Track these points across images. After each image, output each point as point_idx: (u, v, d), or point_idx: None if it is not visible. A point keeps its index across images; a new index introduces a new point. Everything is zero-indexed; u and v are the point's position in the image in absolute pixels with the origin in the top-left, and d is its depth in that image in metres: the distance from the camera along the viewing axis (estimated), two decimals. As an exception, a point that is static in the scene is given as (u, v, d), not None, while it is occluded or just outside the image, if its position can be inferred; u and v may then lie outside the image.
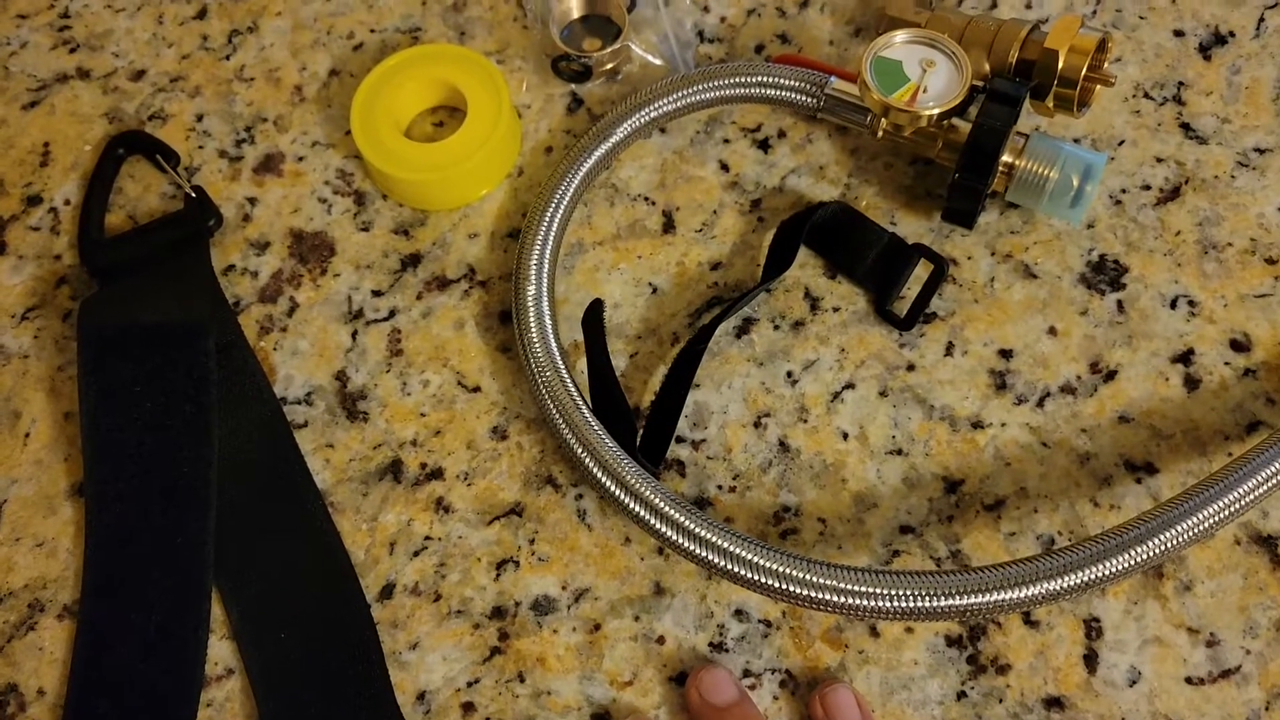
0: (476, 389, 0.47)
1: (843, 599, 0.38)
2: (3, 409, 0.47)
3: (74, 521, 0.45)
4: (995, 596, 0.38)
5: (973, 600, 0.38)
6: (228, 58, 0.54)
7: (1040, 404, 0.45)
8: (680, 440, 0.45)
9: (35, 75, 0.54)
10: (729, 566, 0.39)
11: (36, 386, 0.47)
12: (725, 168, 0.50)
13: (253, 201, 0.50)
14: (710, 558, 0.40)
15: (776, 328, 0.47)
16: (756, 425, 0.45)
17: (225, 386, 0.45)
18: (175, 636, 0.42)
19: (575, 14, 0.53)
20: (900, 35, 0.46)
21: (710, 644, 0.42)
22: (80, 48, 0.54)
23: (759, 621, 0.42)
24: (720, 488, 0.44)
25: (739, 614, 0.42)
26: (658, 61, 0.52)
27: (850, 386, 0.46)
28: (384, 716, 0.41)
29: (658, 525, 0.41)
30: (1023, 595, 0.38)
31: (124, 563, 0.43)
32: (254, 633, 0.42)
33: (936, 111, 0.44)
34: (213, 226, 0.49)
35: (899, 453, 0.44)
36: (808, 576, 0.39)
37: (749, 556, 0.39)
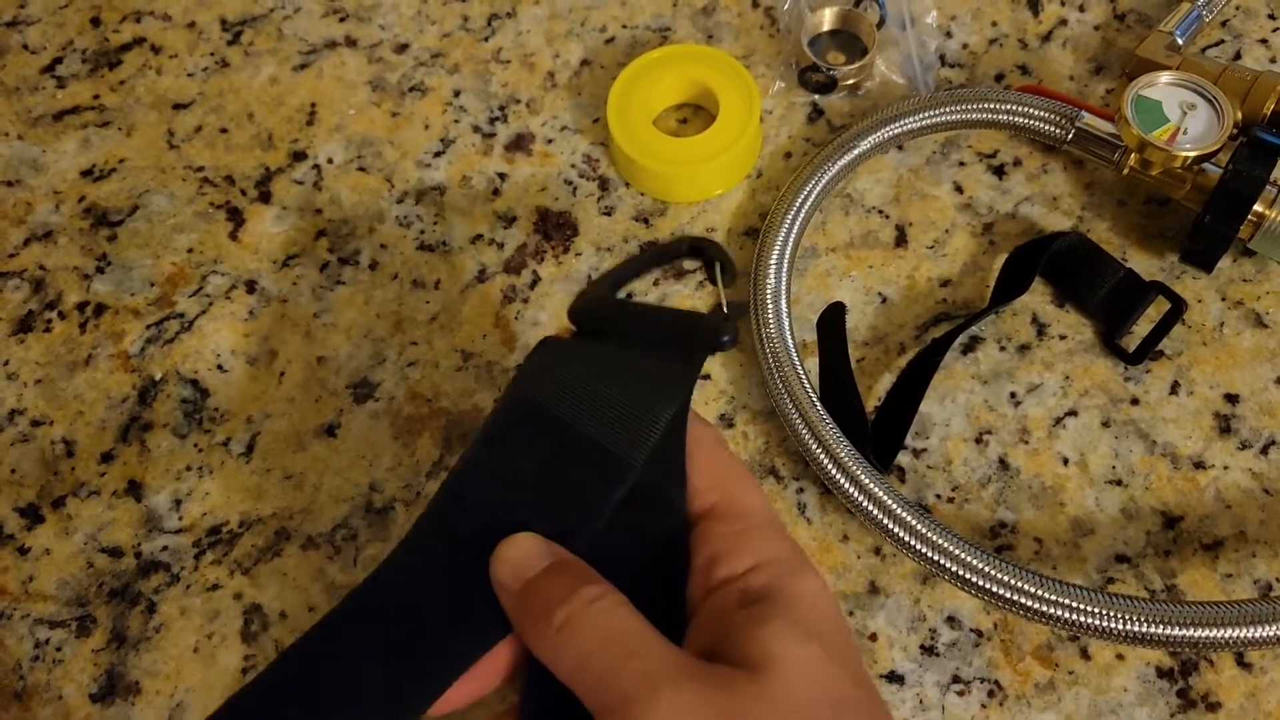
0: (706, 376, 0.48)
1: (1064, 614, 0.40)
2: (260, 348, 0.50)
3: (321, 459, 0.48)
4: (1213, 633, 0.38)
5: (1190, 633, 0.39)
6: (486, 39, 0.57)
7: (1264, 451, 0.45)
8: (903, 447, 0.46)
9: (306, 40, 0.57)
10: (957, 570, 0.41)
11: (293, 330, 0.50)
12: (959, 189, 0.52)
13: (503, 177, 0.53)
14: (940, 560, 0.41)
15: (1002, 349, 0.48)
16: (978, 441, 0.46)
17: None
18: None
19: (826, 27, 0.55)
20: (1164, 76, 0.46)
21: (921, 646, 0.43)
22: (349, 18, 0.58)
23: (971, 630, 0.43)
24: (939, 497, 0.46)
25: (951, 620, 0.43)
26: (900, 80, 0.53)
27: (1073, 414, 0.47)
28: None
29: (887, 523, 0.42)
30: (1240, 635, 0.38)
31: None
32: None
33: (1194, 154, 0.45)
34: (726, 343, 0.35)
35: (1119, 483, 0.45)
36: (1032, 588, 0.40)
37: (977, 563, 0.41)
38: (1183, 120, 0.46)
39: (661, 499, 0.32)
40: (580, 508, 0.32)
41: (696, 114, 0.54)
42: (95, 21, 0.58)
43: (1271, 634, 0.38)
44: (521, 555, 0.30)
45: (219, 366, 0.50)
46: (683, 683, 0.27)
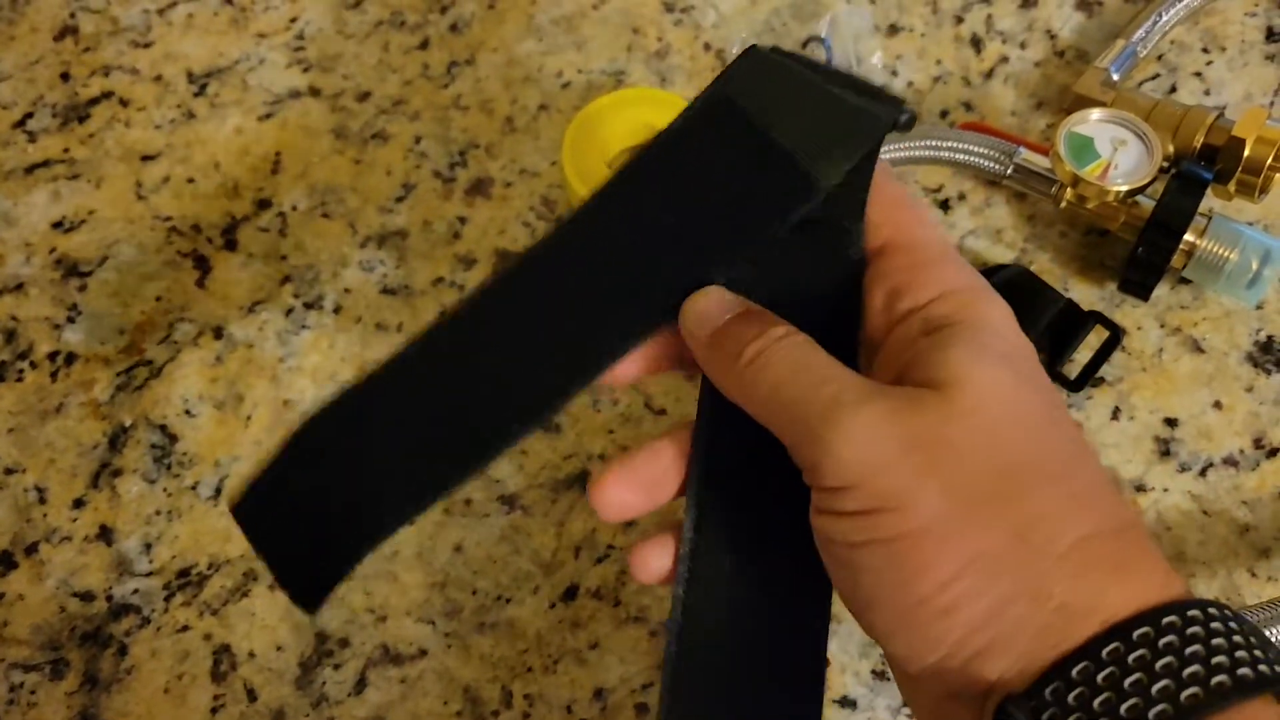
0: (662, 411, 0.50)
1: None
2: (228, 392, 0.51)
3: (288, 500, 0.49)
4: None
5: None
6: (446, 86, 0.58)
7: (1203, 473, 0.47)
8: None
9: (270, 90, 0.59)
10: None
11: (259, 374, 0.52)
12: (906, 224, 0.53)
13: (463, 220, 0.55)
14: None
15: (949, 379, 0.49)
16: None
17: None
18: None
19: (774, 69, 0.56)
20: (1096, 113, 0.48)
21: (873, 671, 0.44)
22: (312, 68, 0.59)
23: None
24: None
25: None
26: (848, 119, 0.55)
27: (1018, 440, 0.48)
28: None
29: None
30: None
31: None
32: None
33: (1126, 189, 0.47)
34: (905, 121, 0.31)
35: (1062, 507, 0.47)
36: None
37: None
38: (1114, 156, 0.47)
39: (840, 231, 0.32)
40: (758, 217, 0.32)
41: (651, 155, 0.56)
42: (65, 76, 0.60)
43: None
44: (711, 304, 0.31)
45: (187, 412, 0.51)
46: (872, 400, 0.28)
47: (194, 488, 0.49)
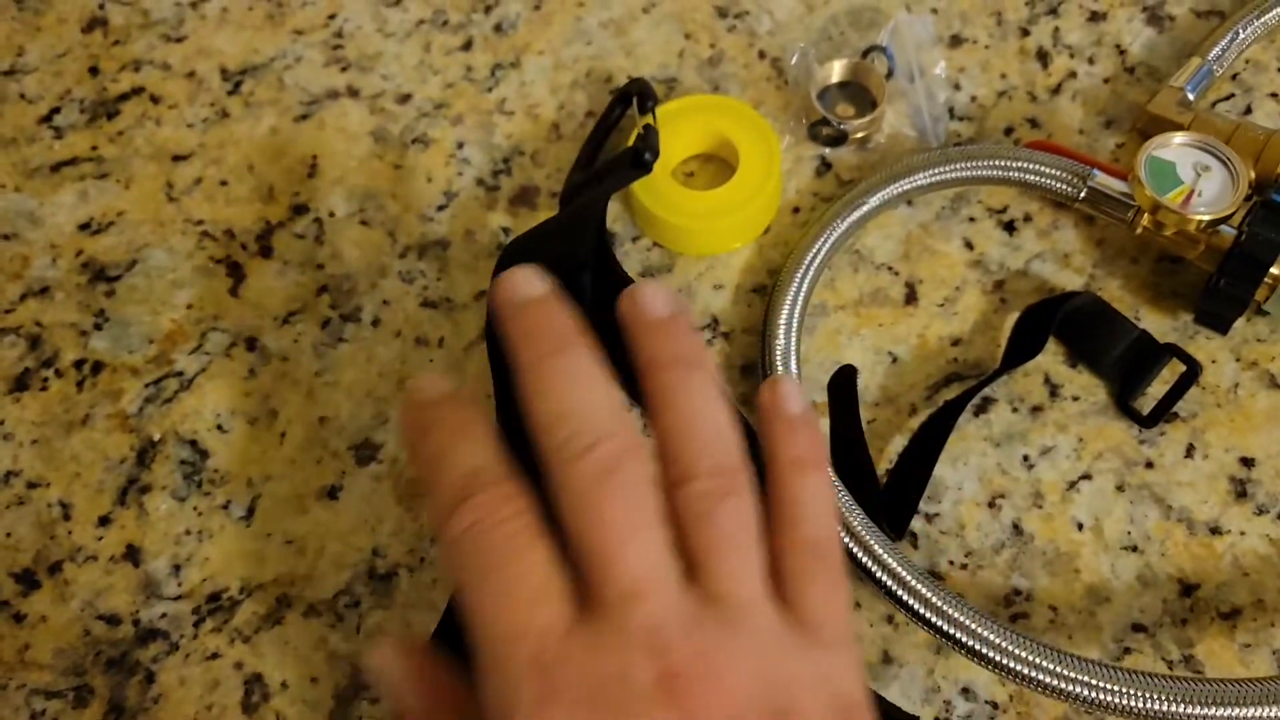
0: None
1: (1081, 690, 0.39)
2: (261, 407, 0.49)
3: (323, 523, 0.47)
4: (1234, 712, 0.38)
5: (1210, 712, 0.38)
6: (490, 90, 0.56)
7: (1281, 517, 0.45)
8: (915, 513, 0.46)
9: (307, 90, 0.56)
10: (971, 643, 0.40)
11: (294, 389, 0.49)
12: (970, 246, 0.51)
13: (506, 231, 0.52)
14: (953, 632, 0.40)
15: (1015, 410, 0.47)
16: (991, 505, 0.46)
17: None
18: None
19: (834, 80, 0.54)
20: (1178, 137, 0.46)
21: (935, 719, 0.42)
22: (351, 67, 0.57)
23: (986, 702, 0.42)
24: (952, 563, 0.45)
25: (966, 692, 0.43)
26: (910, 133, 0.53)
27: (1087, 477, 0.46)
28: None
29: (899, 592, 0.42)
30: (1263, 715, 0.38)
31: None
32: None
33: (1209, 217, 0.45)
34: (647, 160, 0.44)
35: (1134, 549, 0.45)
36: (1048, 664, 0.39)
37: (991, 636, 0.40)
38: (1196, 182, 0.45)
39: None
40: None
41: (704, 166, 0.54)
42: (94, 70, 0.57)
43: (1296, 713, 0.37)
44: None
45: (219, 427, 0.49)
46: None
47: (225, 507, 0.47)
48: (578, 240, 0.41)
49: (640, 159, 0.43)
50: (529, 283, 0.34)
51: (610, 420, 0.31)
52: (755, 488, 0.32)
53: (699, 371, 0.33)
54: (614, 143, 0.53)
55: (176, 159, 0.55)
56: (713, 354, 0.49)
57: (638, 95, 0.49)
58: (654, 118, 0.48)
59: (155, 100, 0.57)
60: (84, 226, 0.54)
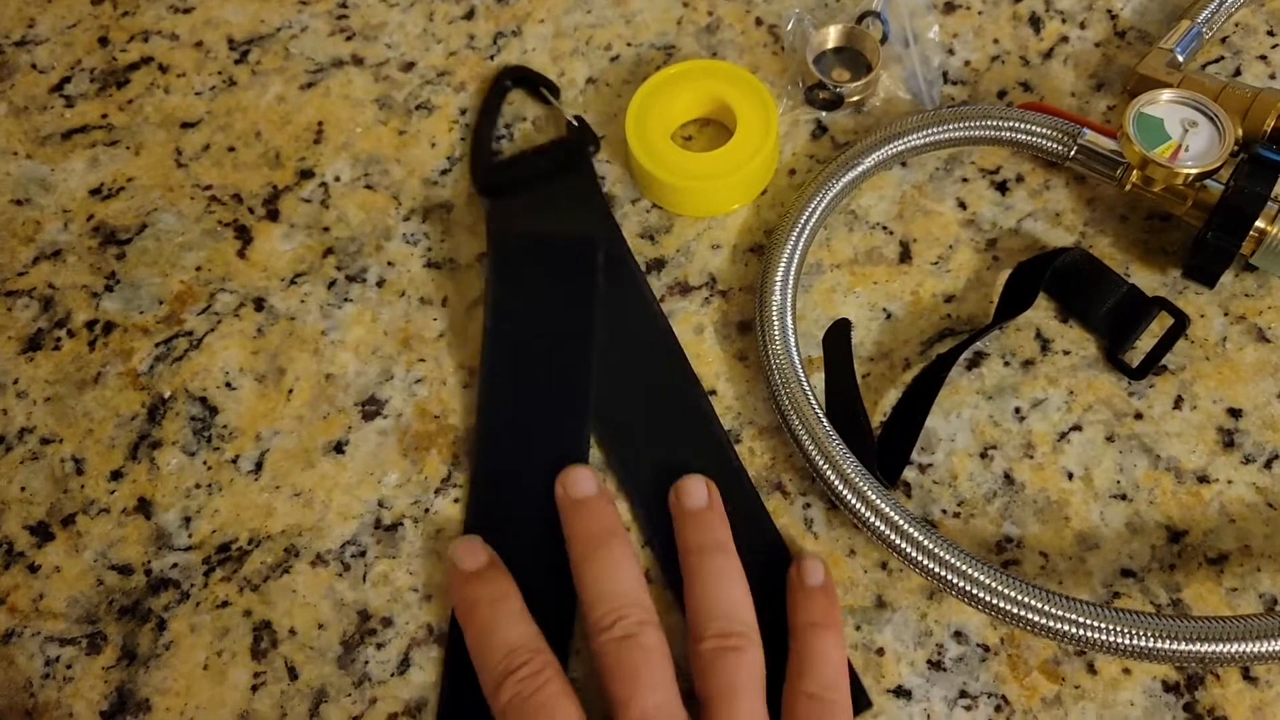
0: (712, 392, 0.49)
1: (1070, 629, 0.40)
2: (269, 365, 0.50)
3: (330, 476, 0.48)
4: (1219, 648, 0.39)
5: (1196, 648, 0.39)
6: (492, 57, 0.57)
7: (1268, 465, 0.46)
8: (909, 462, 0.46)
9: (313, 58, 0.58)
10: (964, 585, 0.41)
11: (301, 347, 0.51)
12: (963, 205, 0.52)
13: (509, 194, 0.53)
14: (946, 575, 0.41)
15: (1007, 364, 0.48)
16: (983, 456, 0.47)
17: (612, 295, 0.50)
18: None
19: (830, 45, 0.55)
20: (1166, 94, 0.47)
21: (928, 661, 0.43)
22: (355, 36, 0.58)
23: (977, 645, 0.43)
24: (945, 512, 0.46)
25: (958, 635, 0.44)
26: (906, 96, 0.54)
27: (1077, 429, 0.47)
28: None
29: (893, 538, 0.42)
30: (1247, 650, 0.38)
31: (508, 454, 0.47)
32: (653, 525, 0.46)
33: (1196, 171, 0.45)
34: (592, 151, 0.53)
35: (1123, 498, 0.46)
36: (1038, 604, 0.40)
37: (983, 578, 0.41)
38: (1184, 137, 0.46)
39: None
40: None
41: (702, 130, 0.55)
42: (103, 41, 0.59)
43: (1278, 649, 0.38)
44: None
45: (227, 384, 0.50)
46: None
47: (234, 461, 0.48)
48: (582, 222, 0.52)
49: (592, 138, 0.53)
50: (584, 482, 0.44)
51: (634, 600, 0.41)
52: (761, 646, 0.41)
53: (722, 555, 0.43)
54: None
55: (185, 126, 0.56)
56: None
57: (540, 84, 0.56)
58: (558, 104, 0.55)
59: (164, 69, 0.58)
60: (95, 192, 0.55)
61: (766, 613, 0.42)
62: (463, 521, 0.46)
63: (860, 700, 0.42)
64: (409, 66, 0.57)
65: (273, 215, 0.53)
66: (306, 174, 0.54)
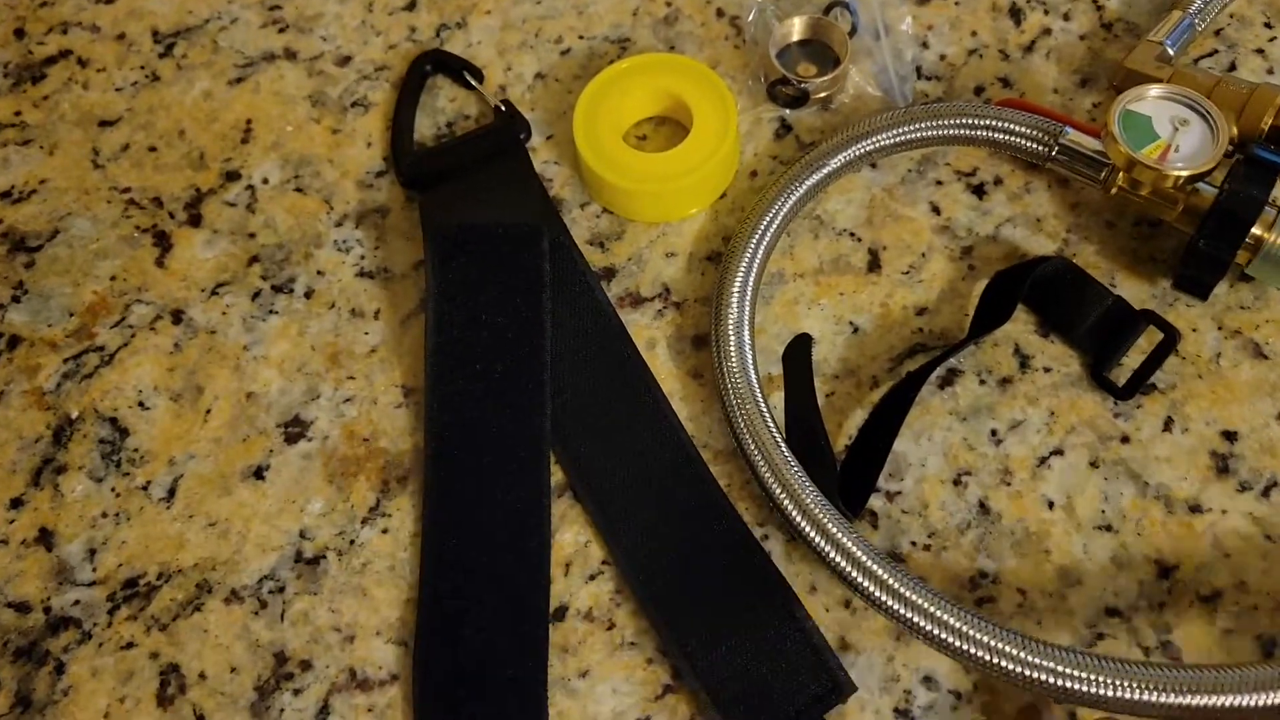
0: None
1: (1049, 678, 0.36)
2: (186, 383, 0.47)
3: (248, 504, 0.44)
4: (1214, 700, 0.35)
5: (1188, 700, 0.35)
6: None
7: (1265, 494, 0.42)
8: (874, 490, 0.43)
9: (243, 52, 0.54)
10: (931, 629, 0.38)
11: (221, 364, 0.47)
12: (937, 210, 0.48)
13: (449, 198, 0.50)
14: (913, 617, 0.38)
15: (982, 382, 0.45)
16: (956, 483, 0.43)
17: (557, 284, 0.47)
18: (519, 523, 0.43)
19: (795, 37, 0.51)
20: (1154, 89, 0.43)
21: (895, 709, 0.40)
22: (289, 28, 0.54)
23: (949, 691, 0.40)
24: (914, 544, 0.42)
25: (928, 680, 0.40)
26: (876, 93, 0.50)
27: (1059, 453, 0.43)
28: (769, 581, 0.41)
29: (855, 576, 0.39)
30: (1244, 703, 0.35)
31: (463, 452, 0.44)
32: (611, 521, 0.43)
33: (1187, 173, 0.42)
34: (524, 138, 0.50)
35: (1108, 529, 0.42)
36: (1013, 650, 0.37)
37: (953, 621, 0.37)
38: (1174, 137, 0.43)
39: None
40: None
41: (657, 130, 0.51)
42: (19, 33, 0.55)
43: (1278, 702, 0.34)
44: None
45: (140, 404, 0.46)
46: None
47: (145, 488, 0.45)
48: (521, 209, 0.48)
49: (523, 123, 0.50)
50: None
51: None
52: None
53: None
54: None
55: (103, 124, 0.52)
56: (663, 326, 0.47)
57: (466, 70, 0.52)
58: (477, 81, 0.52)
59: (83, 63, 0.54)
60: (4, 195, 0.51)
61: (725, 602, 0.41)
62: (418, 533, 0.43)
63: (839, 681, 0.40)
64: (345, 61, 0.53)
65: (194, 220, 0.50)
66: (232, 176, 0.51)
